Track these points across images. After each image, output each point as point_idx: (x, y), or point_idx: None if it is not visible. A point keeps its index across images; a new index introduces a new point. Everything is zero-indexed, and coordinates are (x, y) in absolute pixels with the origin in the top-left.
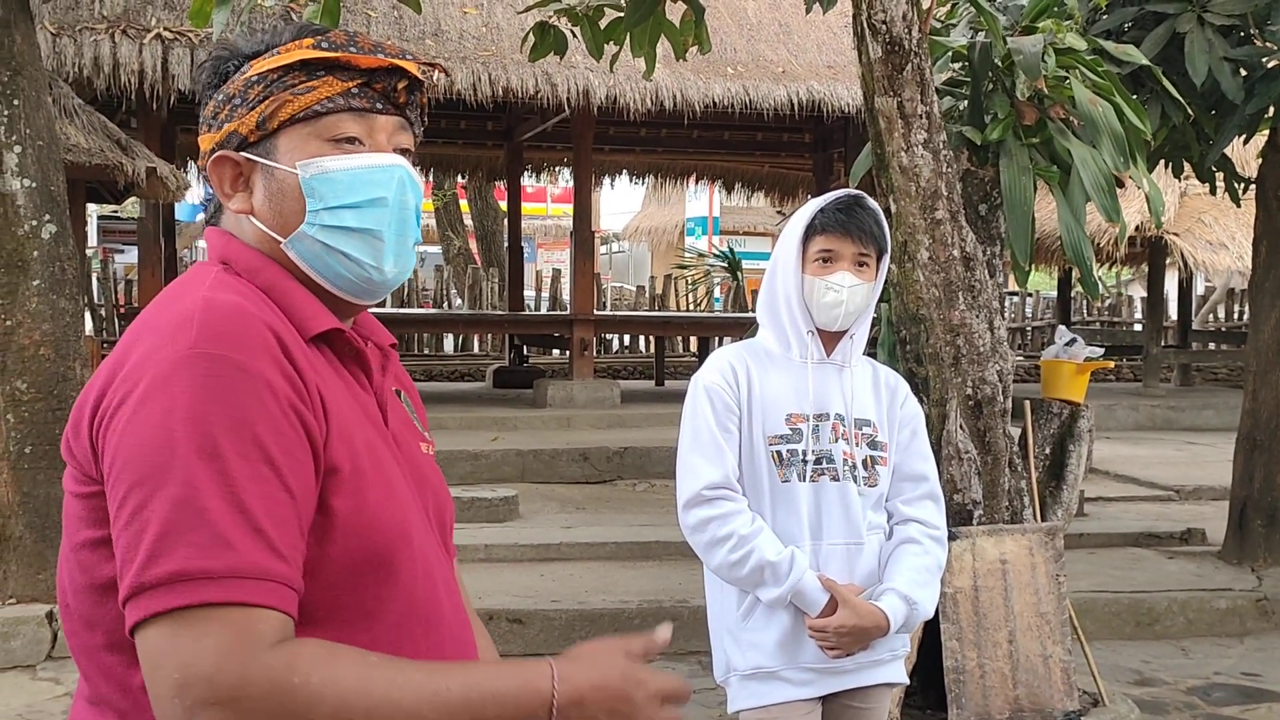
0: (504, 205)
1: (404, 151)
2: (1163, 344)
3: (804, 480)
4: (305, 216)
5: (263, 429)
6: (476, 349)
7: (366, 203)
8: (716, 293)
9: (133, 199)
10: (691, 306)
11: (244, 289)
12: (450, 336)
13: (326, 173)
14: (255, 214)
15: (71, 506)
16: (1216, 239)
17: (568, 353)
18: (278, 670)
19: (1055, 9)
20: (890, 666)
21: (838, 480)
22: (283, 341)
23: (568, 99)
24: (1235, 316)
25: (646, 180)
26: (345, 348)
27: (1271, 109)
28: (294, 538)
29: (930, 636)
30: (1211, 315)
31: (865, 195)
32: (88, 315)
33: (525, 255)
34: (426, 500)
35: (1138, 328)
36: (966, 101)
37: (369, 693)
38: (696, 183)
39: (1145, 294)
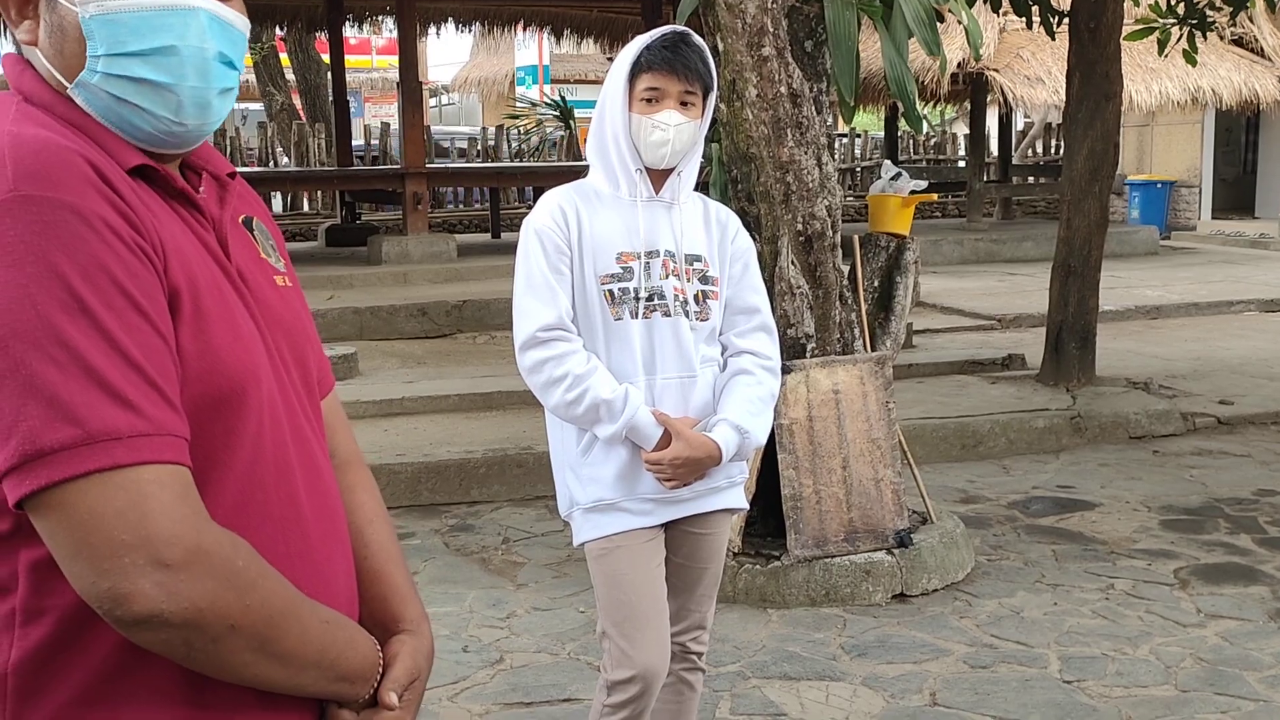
0: (326, 58)
1: None
2: (985, 179)
3: (636, 317)
4: (86, 61)
5: (120, 272)
6: (306, 208)
7: (154, 50)
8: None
9: None
10: (525, 157)
11: (50, 122)
12: (278, 195)
13: (108, 13)
14: (40, 49)
15: None
16: (1034, 74)
17: (401, 208)
18: (225, 546)
19: None
20: (729, 493)
21: (669, 316)
22: (103, 173)
23: None
24: (1052, 150)
25: (474, 29)
26: (166, 184)
27: None
28: (175, 385)
29: (769, 468)
30: (1030, 150)
31: (690, 32)
32: None
33: (352, 110)
34: (278, 339)
35: (962, 164)
36: None
37: (292, 598)
38: (525, 30)
39: (968, 131)
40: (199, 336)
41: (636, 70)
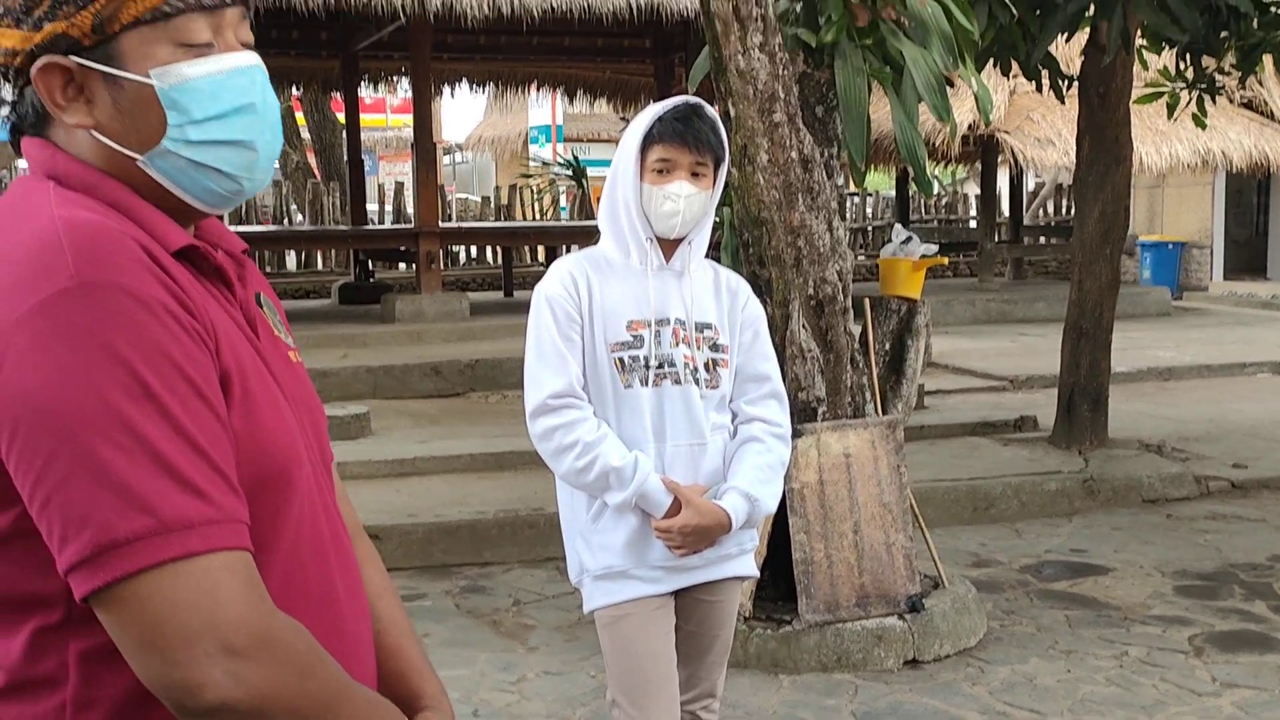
0: (342, 117)
1: (248, 46)
2: (996, 239)
3: (646, 385)
4: (167, 131)
5: (179, 357)
6: (320, 265)
7: (233, 111)
8: (562, 201)
9: None
10: (538, 216)
11: (93, 204)
12: (292, 253)
13: (188, 82)
14: (101, 129)
15: None
16: (1044, 136)
17: (414, 266)
18: (288, 631)
19: None
20: (739, 560)
21: (680, 383)
22: (154, 256)
23: (403, 6)
24: (1063, 211)
25: (487, 89)
26: (203, 263)
27: (1091, 8)
28: (234, 469)
29: (780, 531)
30: (1041, 210)
31: (703, 103)
32: None
33: (366, 168)
34: (302, 416)
35: (973, 224)
36: (801, 4)
37: (344, 683)
38: (538, 90)
39: (979, 191)
40: (249, 419)
41: (649, 141)
